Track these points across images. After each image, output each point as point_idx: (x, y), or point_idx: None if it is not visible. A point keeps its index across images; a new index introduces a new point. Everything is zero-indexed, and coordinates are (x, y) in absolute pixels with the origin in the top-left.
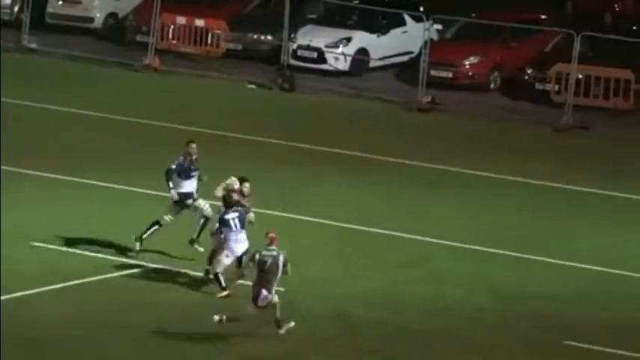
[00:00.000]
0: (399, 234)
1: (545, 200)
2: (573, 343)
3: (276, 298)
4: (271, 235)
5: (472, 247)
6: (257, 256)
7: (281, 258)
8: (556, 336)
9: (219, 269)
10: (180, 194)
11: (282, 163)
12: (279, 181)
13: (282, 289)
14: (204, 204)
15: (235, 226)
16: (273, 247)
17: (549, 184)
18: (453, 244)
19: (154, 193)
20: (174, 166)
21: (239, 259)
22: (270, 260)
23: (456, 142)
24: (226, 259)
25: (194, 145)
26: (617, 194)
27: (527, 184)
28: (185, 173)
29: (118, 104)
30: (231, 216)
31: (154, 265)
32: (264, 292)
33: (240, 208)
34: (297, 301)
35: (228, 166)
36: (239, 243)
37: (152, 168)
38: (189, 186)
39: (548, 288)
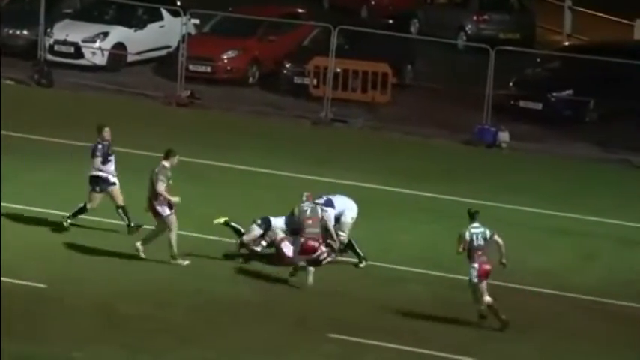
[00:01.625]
0: None
1: (290, 191)
2: (337, 335)
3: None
4: (307, 194)
5: (231, 240)
6: (296, 210)
7: (318, 210)
8: (321, 329)
9: None
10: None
11: (44, 159)
12: (39, 178)
13: (43, 285)
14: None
15: None
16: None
17: (305, 177)
18: (214, 237)
19: None
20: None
21: None
22: (308, 210)
23: (215, 135)
24: None
25: (107, 129)
26: (358, 184)
27: (283, 176)
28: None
29: None
30: None
31: None
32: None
33: None
34: (58, 296)
35: None
36: None
37: None
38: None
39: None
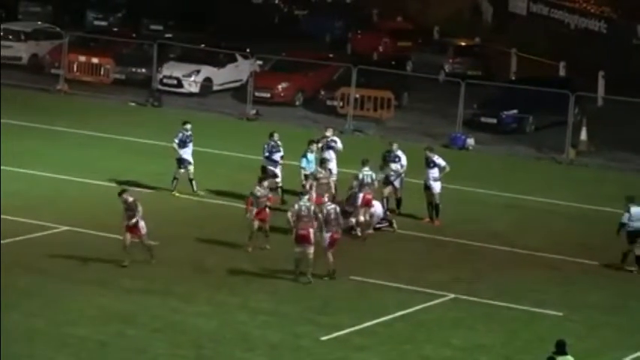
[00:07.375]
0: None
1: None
2: (357, 277)
3: None
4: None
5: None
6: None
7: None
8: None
9: None
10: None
11: (150, 156)
12: (148, 171)
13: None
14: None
15: None
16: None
17: (339, 170)
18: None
19: None
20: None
21: None
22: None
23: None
24: None
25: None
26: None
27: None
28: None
29: (35, 115)
30: None
31: None
32: None
33: None
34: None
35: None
36: None
37: None
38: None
39: None
